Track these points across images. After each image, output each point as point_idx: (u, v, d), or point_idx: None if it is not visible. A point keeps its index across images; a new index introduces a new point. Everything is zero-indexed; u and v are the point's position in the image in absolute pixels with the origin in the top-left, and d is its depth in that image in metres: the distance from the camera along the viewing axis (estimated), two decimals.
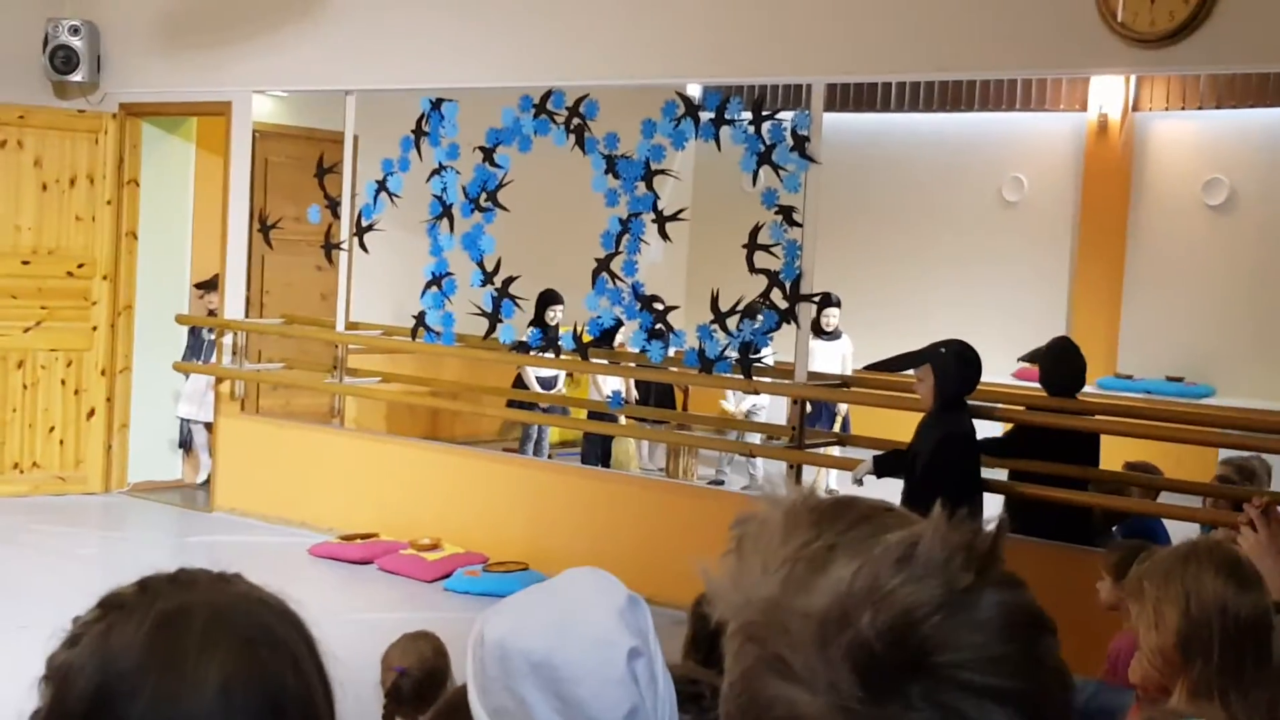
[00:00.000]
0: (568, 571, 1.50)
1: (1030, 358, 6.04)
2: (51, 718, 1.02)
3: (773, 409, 9.21)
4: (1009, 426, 6.15)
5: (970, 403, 5.50)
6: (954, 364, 5.18)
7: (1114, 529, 5.82)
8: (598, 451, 8.83)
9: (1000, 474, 5.87)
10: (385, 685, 3.24)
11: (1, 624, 6.00)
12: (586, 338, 7.49)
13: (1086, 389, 8.82)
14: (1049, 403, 5.95)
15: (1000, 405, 6.16)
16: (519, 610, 1.43)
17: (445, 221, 7.50)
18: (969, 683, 0.71)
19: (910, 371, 5.52)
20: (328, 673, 1.06)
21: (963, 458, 5.13)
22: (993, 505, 5.56)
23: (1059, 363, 5.92)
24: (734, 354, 6.62)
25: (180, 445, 8.94)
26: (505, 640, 1.37)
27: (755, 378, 6.65)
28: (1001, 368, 8.33)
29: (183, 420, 8.85)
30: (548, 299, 8.12)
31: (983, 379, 5.49)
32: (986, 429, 5.78)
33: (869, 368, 6.29)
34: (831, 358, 8.73)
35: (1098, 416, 6.56)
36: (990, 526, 0.76)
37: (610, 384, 8.58)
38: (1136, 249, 10.28)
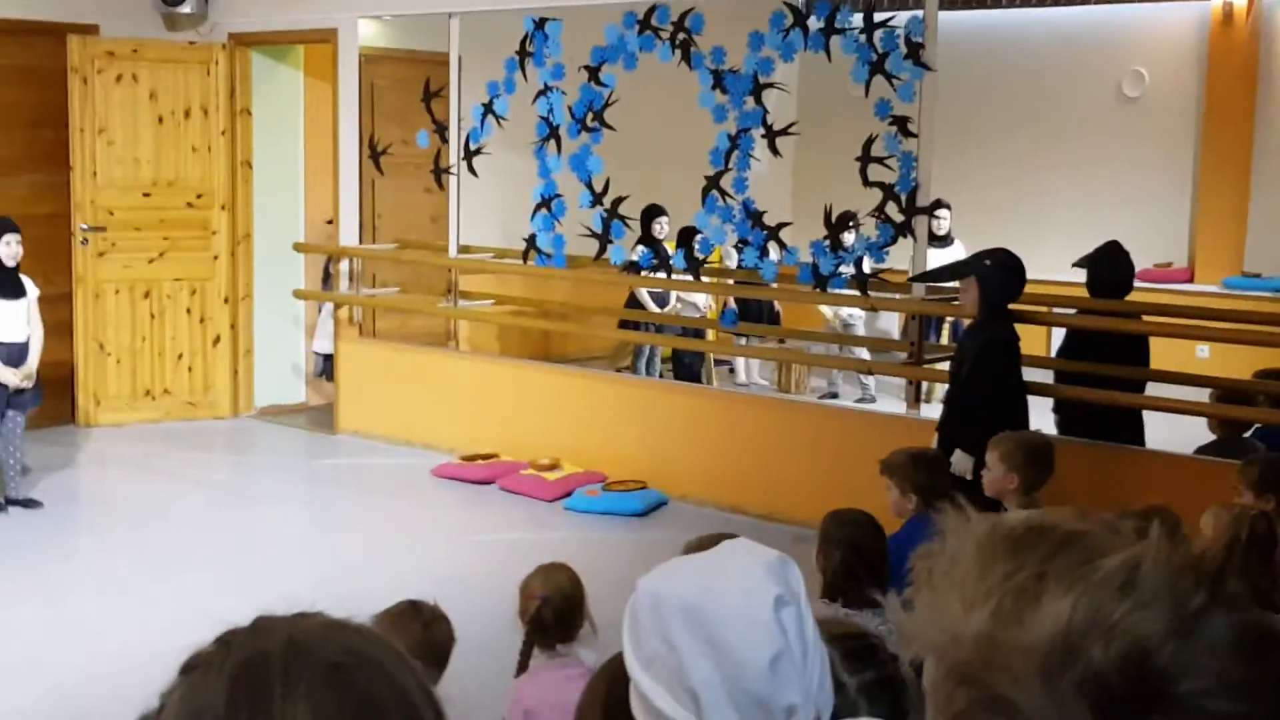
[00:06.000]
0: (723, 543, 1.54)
1: (1081, 263, 6.11)
2: None
3: (869, 319, 9.16)
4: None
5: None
6: (999, 274, 5.31)
7: (1245, 437, 5.69)
8: (688, 371, 8.82)
9: (1047, 376, 6.02)
10: (526, 613, 3.34)
11: (148, 553, 6.26)
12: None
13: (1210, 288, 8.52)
14: (1128, 306, 5.98)
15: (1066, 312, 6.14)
16: (672, 566, 1.50)
17: (552, 143, 7.49)
18: (1211, 711, 0.69)
19: (955, 283, 5.68)
20: (426, 683, 0.99)
21: (1006, 363, 5.29)
22: (1038, 407, 5.70)
23: (1107, 266, 5.95)
24: (849, 269, 6.55)
25: (320, 374, 9.10)
26: (658, 589, 1.42)
27: (870, 292, 6.58)
28: None
29: (322, 355, 8.98)
30: (652, 212, 8.07)
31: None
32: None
33: (914, 278, 6.31)
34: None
35: (1222, 324, 6.38)
36: (1218, 545, 0.75)
37: (699, 300, 8.66)
38: (1264, 143, 9.86)
